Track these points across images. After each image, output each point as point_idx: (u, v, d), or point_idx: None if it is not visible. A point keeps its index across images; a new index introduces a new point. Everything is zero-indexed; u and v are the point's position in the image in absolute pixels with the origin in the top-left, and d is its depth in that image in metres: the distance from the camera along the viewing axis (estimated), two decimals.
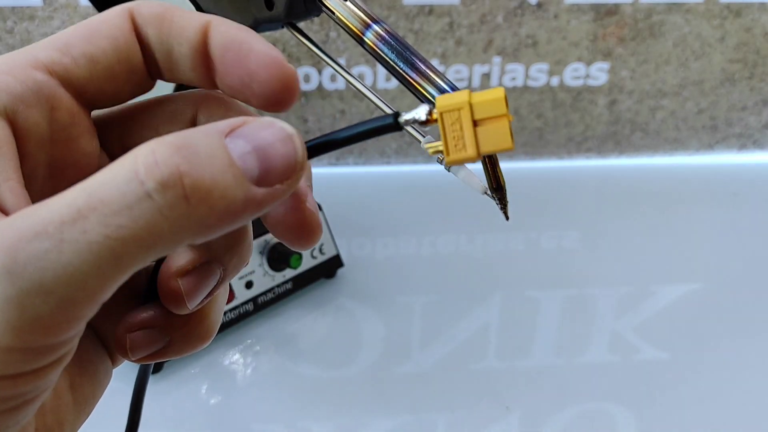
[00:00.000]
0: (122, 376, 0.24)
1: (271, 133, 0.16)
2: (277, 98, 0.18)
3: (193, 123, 0.21)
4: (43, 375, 0.15)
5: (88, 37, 0.18)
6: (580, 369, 0.51)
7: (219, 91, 0.19)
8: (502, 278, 0.60)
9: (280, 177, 0.16)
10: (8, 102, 0.17)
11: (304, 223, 0.19)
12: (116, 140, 0.21)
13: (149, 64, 0.19)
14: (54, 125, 0.18)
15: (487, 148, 0.17)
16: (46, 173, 0.18)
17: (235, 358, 0.51)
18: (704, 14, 0.71)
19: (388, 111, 0.26)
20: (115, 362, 0.21)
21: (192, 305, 0.19)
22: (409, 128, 0.26)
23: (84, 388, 0.19)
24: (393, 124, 0.17)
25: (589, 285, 0.59)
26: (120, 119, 0.21)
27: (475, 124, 0.17)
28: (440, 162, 0.21)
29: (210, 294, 0.20)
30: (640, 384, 0.49)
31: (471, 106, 0.17)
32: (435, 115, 0.17)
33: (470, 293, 0.58)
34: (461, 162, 0.17)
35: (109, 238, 0.14)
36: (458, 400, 0.48)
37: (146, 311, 0.20)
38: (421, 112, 0.17)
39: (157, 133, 0.20)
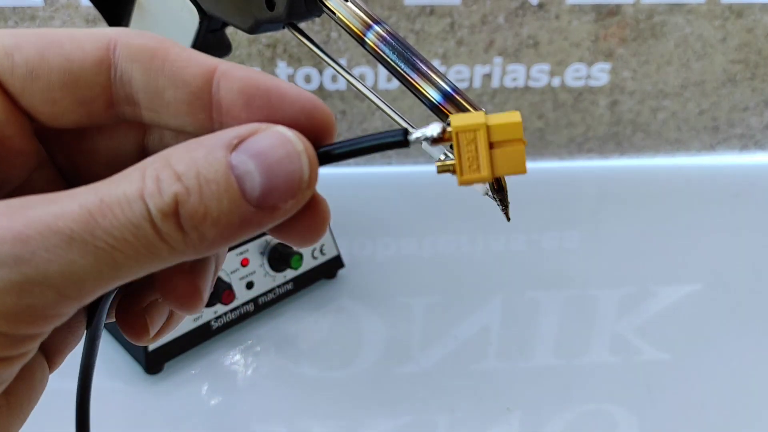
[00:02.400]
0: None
1: (278, 147, 0.16)
2: (315, 144, 0.17)
3: (143, 136, 0.20)
4: (10, 365, 0.16)
5: (42, 47, 0.17)
6: (580, 370, 0.51)
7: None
8: (503, 279, 0.60)
9: (283, 197, 0.16)
10: None
11: (314, 217, 0.18)
12: (54, 136, 0.20)
13: (122, 102, 0.18)
14: None
15: (501, 171, 0.17)
16: None
17: (235, 359, 0.51)
18: (706, 15, 0.71)
19: (389, 110, 0.26)
20: (52, 366, 0.20)
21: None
22: (410, 129, 0.26)
23: (19, 393, 0.18)
24: (402, 141, 0.17)
25: (590, 285, 0.59)
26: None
27: (490, 146, 0.17)
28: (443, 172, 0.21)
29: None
30: (641, 385, 0.49)
31: (488, 128, 0.17)
32: (448, 134, 0.17)
33: (471, 294, 0.58)
34: (474, 182, 0.17)
35: (114, 249, 0.15)
36: (459, 400, 0.48)
37: (145, 288, 0.20)
38: (433, 130, 0.17)
39: (104, 135, 0.19)
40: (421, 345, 0.53)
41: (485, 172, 0.17)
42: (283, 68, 0.69)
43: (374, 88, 0.72)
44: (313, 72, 0.70)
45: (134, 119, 0.18)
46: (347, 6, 0.27)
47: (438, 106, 0.25)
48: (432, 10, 0.68)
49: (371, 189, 0.74)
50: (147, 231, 0.15)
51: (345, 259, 0.58)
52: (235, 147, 0.15)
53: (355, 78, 0.28)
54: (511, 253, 0.64)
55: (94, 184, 0.15)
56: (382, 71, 0.71)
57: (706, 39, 0.72)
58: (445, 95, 0.24)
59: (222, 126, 0.17)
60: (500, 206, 0.23)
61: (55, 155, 0.20)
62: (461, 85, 0.71)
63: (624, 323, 0.55)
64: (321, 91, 0.71)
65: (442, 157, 0.25)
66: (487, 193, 0.23)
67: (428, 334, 0.53)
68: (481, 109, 0.20)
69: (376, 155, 0.77)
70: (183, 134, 0.19)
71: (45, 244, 0.14)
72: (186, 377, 0.49)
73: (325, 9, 0.29)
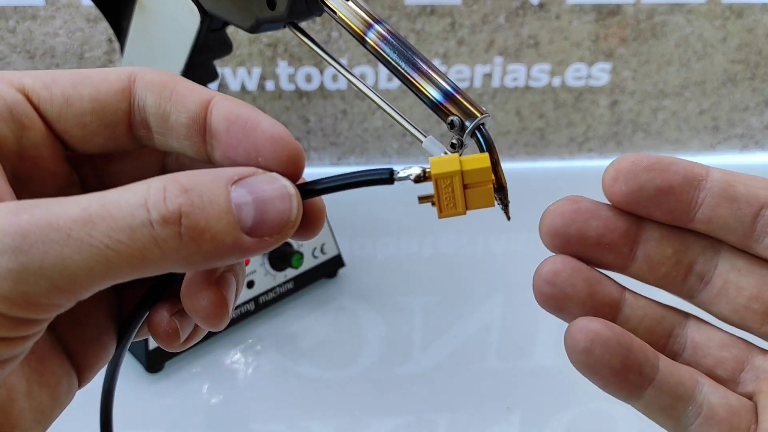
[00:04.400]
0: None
1: (273, 188, 0.18)
2: (283, 173, 0.19)
3: (162, 160, 0.23)
4: (11, 345, 0.17)
5: (76, 81, 0.20)
6: None
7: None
8: (504, 278, 0.60)
9: (270, 231, 0.18)
10: None
11: (311, 214, 0.21)
12: (86, 160, 0.22)
13: (138, 126, 0.21)
14: (24, 142, 0.20)
15: (474, 207, 0.20)
16: (10, 183, 0.20)
17: (236, 358, 0.51)
18: (706, 15, 0.71)
19: (389, 110, 0.26)
20: (82, 381, 0.21)
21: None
22: (411, 129, 0.26)
23: (42, 399, 0.19)
24: (387, 179, 0.20)
25: None
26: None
27: (464, 187, 0.20)
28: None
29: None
30: None
31: (462, 174, 0.20)
32: (428, 174, 0.20)
33: (471, 293, 0.58)
34: (451, 216, 0.20)
35: (108, 248, 0.16)
36: (459, 400, 0.48)
37: (174, 295, 0.22)
38: (415, 171, 0.20)
39: (130, 158, 0.22)
40: (422, 344, 0.53)
41: (460, 209, 0.20)
42: (283, 67, 0.69)
43: (375, 88, 0.72)
44: (314, 71, 0.70)
45: (148, 143, 0.21)
46: (348, 5, 0.28)
47: (439, 106, 0.25)
48: (432, 10, 0.68)
49: (372, 188, 0.74)
50: (143, 235, 0.16)
51: (345, 258, 0.58)
52: (235, 182, 0.18)
53: (356, 77, 0.28)
54: (511, 253, 0.64)
55: (101, 192, 0.17)
56: (383, 71, 0.71)
57: (707, 39, 0.72)
58: (446, 95, 0.25)
59: (213, 149, 0.20)
60: (500, 205, 0.23)
61: (86, 178, 0.22)
62: (462, 85, 0.71)
63: None
64: (322, 90, 0.71)
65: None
66: None
67: (428, 333, 0.53)
68: (465, 154, 0.22)
69: (377, 155, 0.77)
70: (192, 160, 0.22)
71: (43, 239, 0.16)
72: (187, 376, 0.49)
73: (325, 8, 0.29)
